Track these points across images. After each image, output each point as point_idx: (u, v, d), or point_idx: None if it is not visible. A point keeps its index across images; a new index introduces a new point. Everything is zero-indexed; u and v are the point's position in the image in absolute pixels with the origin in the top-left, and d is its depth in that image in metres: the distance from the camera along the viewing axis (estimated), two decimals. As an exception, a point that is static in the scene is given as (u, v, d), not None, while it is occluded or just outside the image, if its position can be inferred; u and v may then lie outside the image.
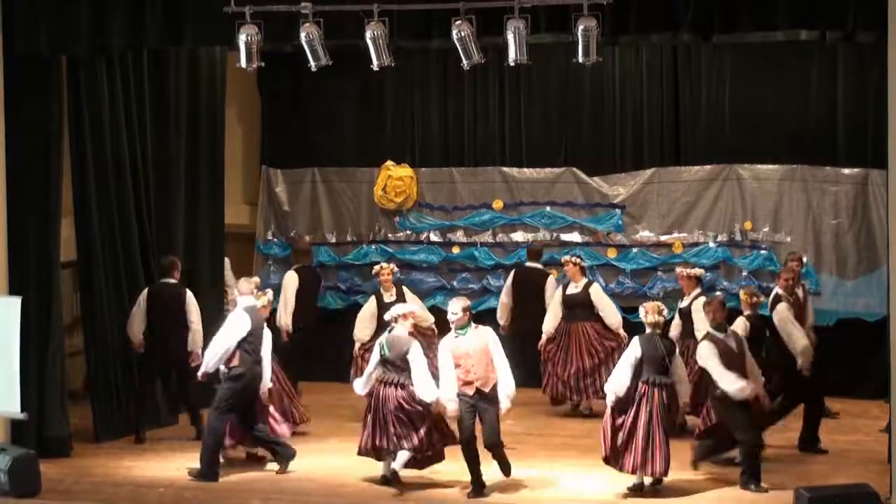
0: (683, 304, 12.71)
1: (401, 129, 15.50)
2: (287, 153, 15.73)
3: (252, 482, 11.31)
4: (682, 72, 14.72)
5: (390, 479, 10.86)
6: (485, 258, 15.08)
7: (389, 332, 10.77)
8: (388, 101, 15.45)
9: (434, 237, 15.30)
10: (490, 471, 10.88)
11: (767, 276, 14.10)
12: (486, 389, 10.63)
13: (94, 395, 12.72)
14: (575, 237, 14.89)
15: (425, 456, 10.80)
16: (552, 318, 13.54)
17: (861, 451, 11.85)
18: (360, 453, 11.01)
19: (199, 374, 11.53)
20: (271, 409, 11.79)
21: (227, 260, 14.35)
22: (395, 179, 15.21)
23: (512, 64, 10.90)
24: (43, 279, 11.88)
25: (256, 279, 12.34)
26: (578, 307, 13.51)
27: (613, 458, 10.61)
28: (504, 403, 10.69)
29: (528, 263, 14.01)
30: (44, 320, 11.84)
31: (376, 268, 13.57)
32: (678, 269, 13.05)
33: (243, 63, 11.18)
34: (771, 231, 14.43)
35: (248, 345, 11.30)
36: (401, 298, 13.04)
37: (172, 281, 12.82)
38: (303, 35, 10.96)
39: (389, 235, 15.40)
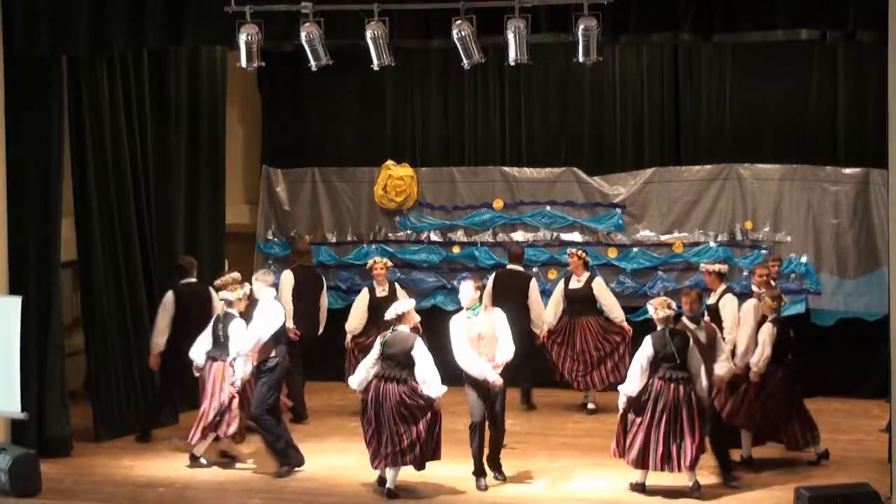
0: (711, 300, 12.65)
1: (401, 129, 15.50)
2: (287, 153, 15.72)
3: (252, 482, 11.32)
4: (682, 72, 14.71)
5: (393, 493, 10.75)
6: (485, 258, 15.08)
7: (392, 330, 10.72)
8: (388, 101, 15.44)
9: (434, 237, 15.30)
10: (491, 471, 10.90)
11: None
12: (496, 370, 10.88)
13: (94, 394, 12.73)
14: (575, 237, 14.89)
15: (424, 451, 10.61)
16: (553, 311, 13.70)
17: (861, 451, 11.85)
18: (376, 467, 10.80)
19: (241, 379, 11.37)
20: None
21: (226, 261, 14.35)
22: (396, 179, 15.21)
23: (512, 64, 10.90)
24: (43, 279, 11.88)
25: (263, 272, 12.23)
26: (580, 301, 13.66)
27: (621, 454, 10.65)
28: (499, 359, 10.84)
29: (509, 266, 13.82)
30: (44, 320, 11.84)
31: (370, 262, 13.68)
32: (702, 266, 12.94)
33: (243, 63, 11.19)
34: (771, 231, 14.43)
35: (283, 336, 11.51)
36: (392, 294, 13.25)
37: (194, 280, 12.81)
38: (303, 35, 10.96)
39: (390, 235, 15.39)
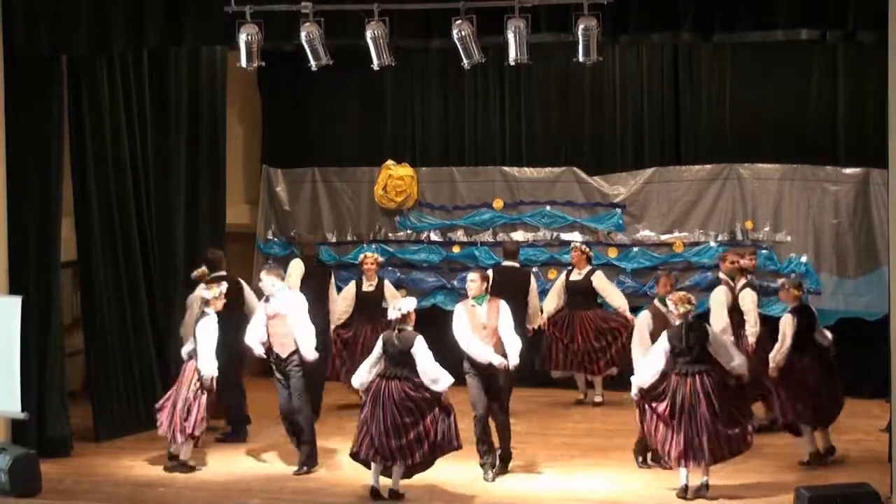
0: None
1: (401, 129, 15.49)
2: (287, 153, 15.72)
3: (252, 482, 11.32)
4: (682, 72, 14.71)
5: (382, 495, 10.68)
6: (485, 258, 15.06)
7: (398, 330, 10.66)
8: (388, 101, 15.44)
9: (434, 237, 15.29)
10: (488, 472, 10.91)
11: (769, 275, 14.10)
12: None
13: (94, 394, 12.72)
14: (575, 237, 14.87)
15: (433, 446, 10.54)
16: (553, 301, 13.79)
17: (861, 451, 11.85)
18: (356, 457, 10.74)
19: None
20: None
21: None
22: (396, 179, 15.21)
23: (512, 63, 10.90)
24: (43, 279, 11.89)
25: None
26: (580, 294, 13.80)
27: (642, 448, 10.70)
28: (512, 360, 10.94)
29: (505, 263, 13.79)
30: (44, 320, 11.85)
31: (361, 256, 13.78)
32: (728, 258, 13.00)
33: (243, 62, 11.19)
34: (771, 230, 14.43)
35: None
36: (379, 290, 13.55)
37: (224, 273, 12.79)
38: (303, 34, 10.96)
39: (390, 235, 15.39)
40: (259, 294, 12.14)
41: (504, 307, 11.13)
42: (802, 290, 11.81)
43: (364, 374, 10.78)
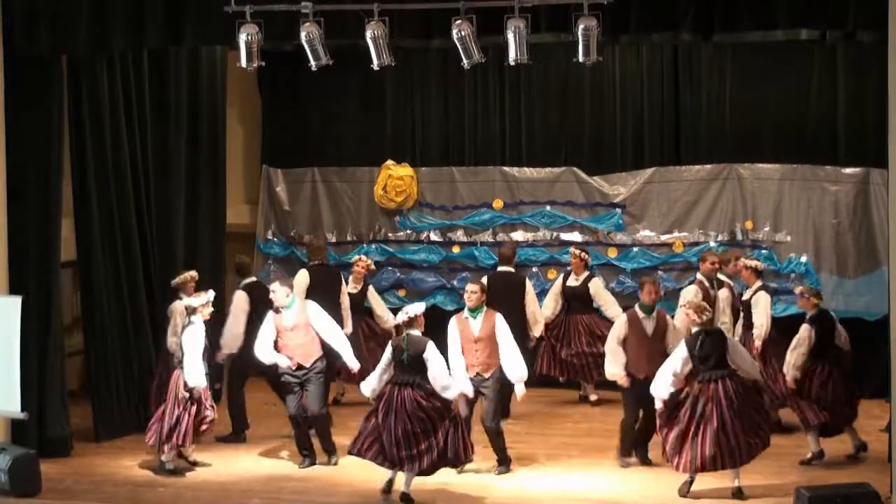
0: (745, 296, 12.82)
1: (401, 129, 15.49)
2: (287, 153, 15.72)
3: (252, 482, 11.32)
4: (682, 72, 14.71)
5: (393, 494, 10.68)
6: (485, 258, 15.06)
7: (405, 334, 10.65)
8: (388, 101, 15.43)
9: (434, 237, 15.29)
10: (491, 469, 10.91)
11: (769, 275, 14.10)
12: (486, 375, 11.05)
13: (94, 394, 12.72)
14: (575, 237, 14.88)
15: (442, 456, 10.49)
16: (550, 306, 13.77)
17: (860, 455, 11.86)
18: (356, 453, 10.66)
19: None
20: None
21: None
22: (396, 179, 15.21)
23: (512, 63, 10.90)
24: (43, 279, 11.89)
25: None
26: (576, 300, 13.79)
27: (672, 457, 10.63)
28: (519, 389, 11.10)
29: (501, 268, 13.61)
30: (44, 320, 11.85)
31: (357, 257, 13.79)
32: (742, 260, 13.07)
33: (243, 62, 11.19)
34: (771, 230, 14.43)
35: None
36: (363, 294, 13.62)
37: (255, 279, 12.92)
38: (303, 34, 10.96)
39: (389, 235, 15.39)
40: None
41: (500, 320, 11.17)
42: (821, 297, 11.85)
43: (374, 382, 10.70)
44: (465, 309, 11.32)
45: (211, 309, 11.45)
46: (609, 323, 13.50)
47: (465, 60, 10.95)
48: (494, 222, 15.14)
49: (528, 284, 13.55)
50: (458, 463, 10.63)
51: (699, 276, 12.63)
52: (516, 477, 11.23)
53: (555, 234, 14.94)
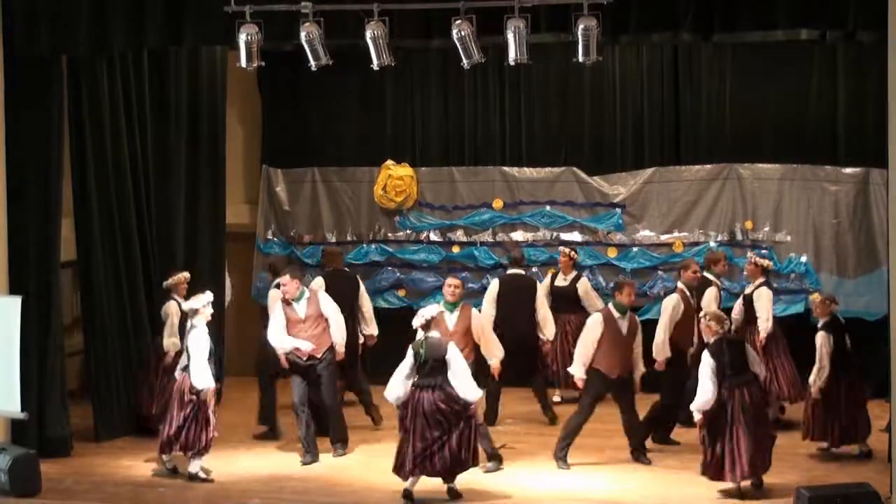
0: (747, 291, 12.95)
1: (401, 129, 15.48)
2: (287, 153, 15.71)
3: (252, 482, 11.32)
4: (682, 72, 14.70)
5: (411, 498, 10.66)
6: (485, 258, 15.07)
7: (425, 337, 10.61)
8: (388, 101, 15.43)
9: (434, 237, 15.29)
10: (493, 471, 10.91)
11: (769, 275, 14.11)
12: None
13: (94, 394, 12.72)
14: (575, 236, 14.88)
15: (456, 459, 10.46)
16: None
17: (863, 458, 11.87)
18: (400, 473, 10.57)
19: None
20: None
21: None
22: (396, 179, 15.20)
23: (512, 63, 10.91)
24: (43, 279, 11.89)
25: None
26: (564, 299, 13.80)
27: (713, 470, 10.58)
28: (491, 361, 11.36)
29: (511, 270, 13.59)
30: (44, 320, 11.84)
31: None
32: (750, 255, 13.22)
33: (243, 62, 11.19)
34: (771, 230, 14.43)
35: None
36: None
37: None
38: (303, 34, 10.97)
39: (389, 235, 15.38)
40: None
41: (476, 314, 11.26)
42: (837, 303, 11.96)
43: (399, 389, 10.58)
44: (442, 302, 11.46)
45: (212, 310, 11.40)
46: None
47: (465, 60, 10.96)
48: (494, 222, 15.14)
49: (539, 288, 13.51)
50: (466, 467, 10.58)
51: (680, 284, 12.49)
52: (516, 477, 11.22)
53: (555, 234, 14.93)
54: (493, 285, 13.42)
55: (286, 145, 15.73)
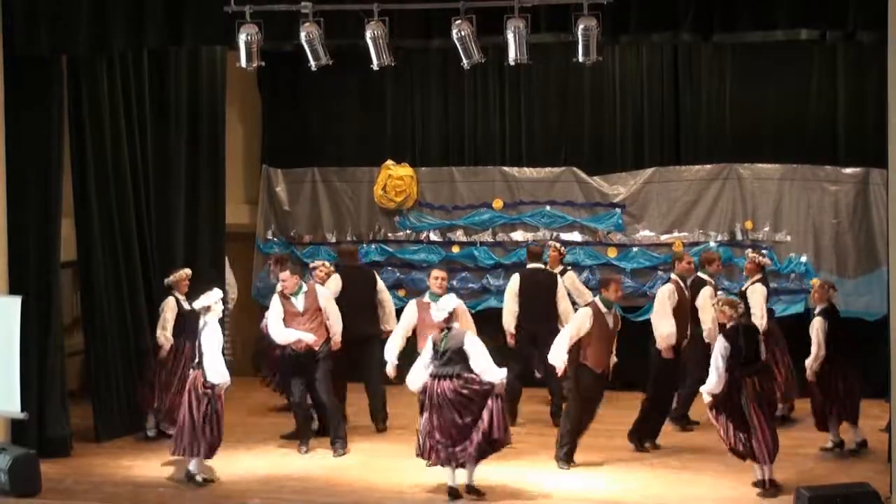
0: (744, 286, 13.03)
1: (401, 129, 15.49)
2: (287, 153, 15.72)
3: (252, 482, 11.31)
4: (682, 72, 14.71)
5: (459, 493, 10.61)
6: (485, 258, 15.08)
7: (448, 329, 10.60)
8: (388, 101, 15.44)
9: (434, 237, 15.29)
10: (493, 470, 10.90)
11: (769, 275, 14.11)
12: None
13: (94, 394, 12.72)
14: (575, 236, 14.89)
15: (492, 440, 10.50)
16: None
17: (861, 451, 11.85)
18: (425, 457, 10.66)
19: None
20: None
21: (226, 260, 14.34)
22: (396, 179, 15.21)
23: (512, 63, 10.91)
24: (43, 279, 11.88)
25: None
26: None
27: (744, 451, 10.64)
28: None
29: (531, 265, 13.53)
30: (44, 320, 11.84)
31: (316, 262, 13.48)
32: (750, 253, 13.30)
33: (243, 62, 11.19)
34: (771, 230, 14.44)
35: None
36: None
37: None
38: (303, 34, 10.97)
39: (389, 235, 15.39)
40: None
41: (462, 306, 11.26)
42: (836, 289, 12.10)
43: (421, 376, 10.63)
44: (427, 294, 11.56)
45: (222, 307, 11.46)
46: None
47: (464, 60, 10.96)
48: (494, 222, 15.14)
49: (560, 281, 13.46)
50: (501, 445, 10.58)
51: (673, 275, 12.49)
52: (516, 476, 11.22)
53: (555, 234, 14.93)
54: (514, 280, 13.37)
55: (286, 145, 15.74)
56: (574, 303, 13.62)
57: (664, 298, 12.14)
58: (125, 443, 12.59)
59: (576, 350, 11.34)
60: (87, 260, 12.63)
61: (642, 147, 14.89)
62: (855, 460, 11.66)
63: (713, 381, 10.53)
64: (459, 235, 15.24)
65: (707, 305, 12.31)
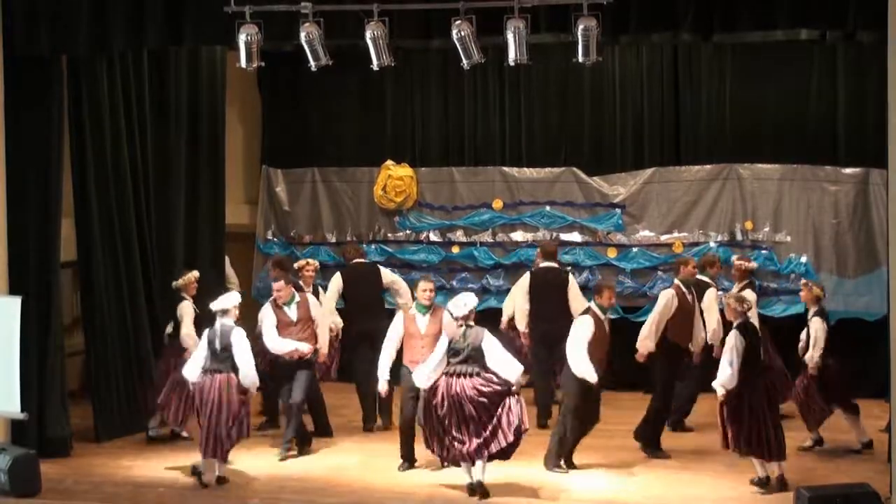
0: (733, 291, 12.95)
1: (401, 129, 15.50)
2: (287, 153, 15.73)
3: (252, 481, 11.31)
4: (682, 72, 14.72)
5: (476, 490, 10.61)
6: (484, 258, 15.08)
7: (465, 328, 10.56)
8: (388, 101, 15.45)
9: (434, 237, 15.30)
10: (493, 469, 10.90)
11: (769, 275, 14.13)
12: None
13: (94, 394, 12.72)
14: (575, 237, 14.89)
15: (507, 437, 10.48)
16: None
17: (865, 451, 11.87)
18: (438, 454, 10.69)
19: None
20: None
21: (226, 258, 14.33)
22: (395, 179, 15.21)
23: (512, 64, 10.91)
24: (43, 279, 11.88)
25: None
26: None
27: (748, 449, 10.67)
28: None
29: (544, 263, 13.46)
30: (44, 320, 11.84)
31: (301, 262, 13.45)
32: (736, 260, 13.33)
33: (243, 63, 11.19)
34: (771, 231, 14.44)
35: None
36: (314, 295, 13.18)
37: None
38: (303, 35, 10.97)
39: (389, 235, 15.40)
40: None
41: (447, 317, 11.06)
42: (824, 291, 12.17)
43: (431, 373, 10.60)
44: (415, 305, 11.48)
45: (238, 310, 11.39)
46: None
47: (464, 61, 10.96)
48: (494, 222, 15.14)
49: (572, 280, 13.41)
50: (518, 444, 10.55)
51: (676, 280, 12.42)
52: (516, 476, 11.22)
53: (554, 234, 14.93)
54: (525, 279, 13.41)
55: (286, 145, 15.75)
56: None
57: (661, 304, 12.07)
58: (125, 443, 12.59)
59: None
60: (87, 260, 12.63)
61: (642, 147, 14.89)
62: (855, 460, 11.67)
63: (727, 375, 10.51)
64: (459, 236, 15.25)
65: (713, 307, 12.30)
